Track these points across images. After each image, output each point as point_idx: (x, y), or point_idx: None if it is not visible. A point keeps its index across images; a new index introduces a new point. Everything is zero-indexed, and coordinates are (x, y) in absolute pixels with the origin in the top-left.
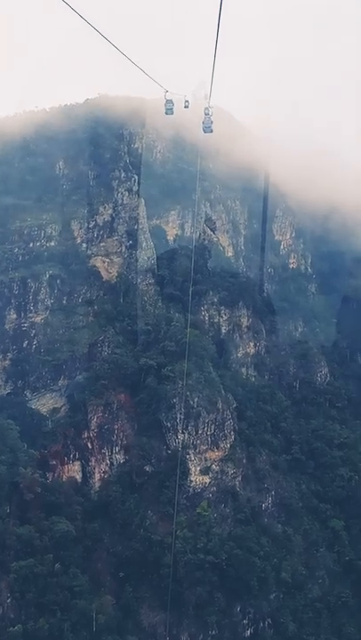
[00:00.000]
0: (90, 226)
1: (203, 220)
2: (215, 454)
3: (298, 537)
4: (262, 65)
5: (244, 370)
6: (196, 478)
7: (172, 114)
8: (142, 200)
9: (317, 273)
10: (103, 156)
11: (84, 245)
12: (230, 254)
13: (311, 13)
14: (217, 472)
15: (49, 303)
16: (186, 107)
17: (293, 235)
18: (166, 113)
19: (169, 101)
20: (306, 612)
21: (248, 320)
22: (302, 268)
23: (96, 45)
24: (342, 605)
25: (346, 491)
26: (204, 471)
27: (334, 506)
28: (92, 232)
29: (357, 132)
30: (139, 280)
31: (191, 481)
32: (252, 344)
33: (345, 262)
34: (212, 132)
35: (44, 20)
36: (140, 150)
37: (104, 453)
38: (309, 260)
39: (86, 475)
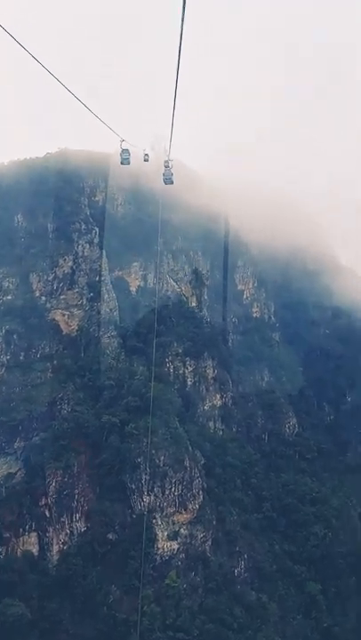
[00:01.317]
0: (49, 278)
1: (166, 271)
2: (183, 517)
3: (273, 604)
4: (220, 116)
5: (211, 423)
6: (164, 544)
7: (129, 164)
8: (104, 252)
9: (281, 322)
10: (63, 209)
11: (44, 299)
12: (194, 304)
13: (268, 64)
14: (186, 536)
15: (5, 360)
16: (146, 160)
17: (256, 284)
18: (122, 163)
19: (125, 151)
20: None
21: (214, 371)
22: (266, 317)
23: (56, 100)
24: None
25: (320, 550)
26: (172, 536)
27: (309, 567)
28: (52, 285)
29: (316, 178)
30: (100, 333)
31: (158, 548)
32: (218, 396)
33: (307, 310)
34: (172, 183)
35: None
36: (100, 203)
37: (63, 522)
38: (273, 309)
39: (44, 547)
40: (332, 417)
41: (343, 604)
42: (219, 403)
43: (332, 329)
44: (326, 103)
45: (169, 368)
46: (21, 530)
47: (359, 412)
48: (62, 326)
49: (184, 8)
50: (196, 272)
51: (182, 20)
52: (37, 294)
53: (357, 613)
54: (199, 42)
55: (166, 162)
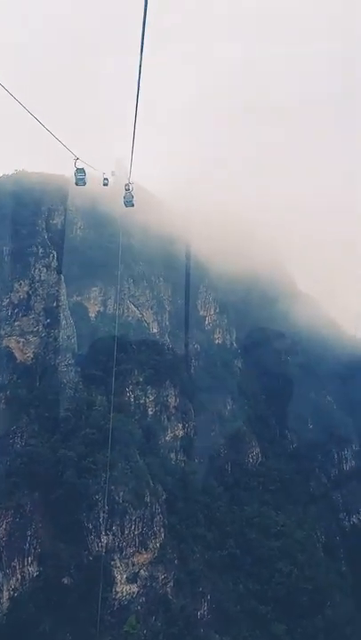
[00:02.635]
0: (3, 304)
1: (126, 296)
2: (143, 557)
3: None
4: (181, 141)
5: (173, 455)
6: (123, 588)
7: (84, 184)
8: (62, 277)
9: (242, 348)
10: (19, 232)
11: None
12: (155, 331)
13: (232, 86)
14: (146, 578)
15: None
16: (105, 184)
17: (218, 310)
18: (77, 183)
19: (79, 170)
20: None
21: (176, 400)
22: (228, 343)
23: (11, 121)
24: None
25: (286, 587)
26: (132, 579)
27: (275, 606)
28: (6, 310)
29: (275, 206)
30: (57, 361)
31: (117, 592)
32: (180, 425)
33: (268, 336)
34: (133, 205)
35: None
36: (59, 226)
37: (14, 566)
38: (234, 336)
39: None
40: (294, 445)
41: None
42: (181, 433)
43: (293, 355)
44: (289, 127)
45: (129, 397)
46: None
47: (321, 439)
48: (17, 354)
49: (143, 31)
50: (157, 297)
51: (142, 44)
52: None
53: None
54: (161, 64)
55: (127, 185)
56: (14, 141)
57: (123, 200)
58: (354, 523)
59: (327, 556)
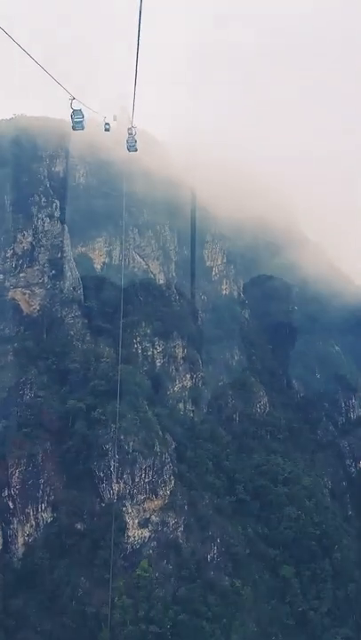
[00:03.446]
0: (7, 255)
1: (132, 247)
2: (154, 504)
3: (247, 589)
4: (188, 86)
5: (181, 405)
6: (135, 533)
7: (82, 128)
8: (65, 226)
9: (250, 298)
10: (20, 180)
11: (1, 277)
12: (161, 282)
13: (241, 29)
14: (157, 524)
15: None
16: (107, 129)
17: (225, 260)
18: (74, 127)
19: (77, 112)
20: None
21: (183, 351)
22: (235, 293)
23: (9, 64)
24: None
25: (294, 532)
26: (143, 524)
27: (283, 550)
28: (10, 262)
29: (284, 150)
30: (64, 313)
31: (129, 537)
32: (188, 376)
33: (275, 286)
34: (136, 150)
35: None
36: (61, 174)
37: (28, 513)
38: (242, 286)
39: (7, 540)
40: (302, 394)
41: (318, 586)
42: (189, 384)
43: (300, 304)
44: (300, 74)
45: (137, 349)
46: None
47: (329, 388)
48: (23, 306)
49: None
50: (163, 248)
51: None
52: None
53: (332, 596)
54: (165, 3)
55: (130, 129)
56: (12, 85)
57: (126, 145)
58: (360, 469)
59: (334, 502)
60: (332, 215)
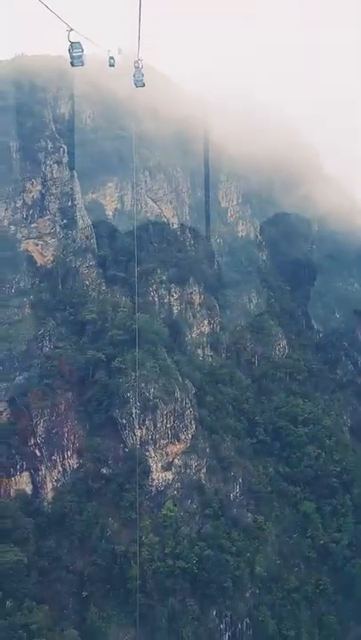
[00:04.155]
0: (17, 205)
1: (144, 191)
2: (177, 447)
3: (269, 525)
4: (196, 20)
5: (200, 351)
6: (158, 475)
7: (82, 64)
8: (74, 172)
9: (267, 239)
10: (24, 125)
11: (12, 228)
12: (175, 226)
13: None
14: (180, 466)
15: None
16: (111, 65)
17: (240, 200)
18: (73, 63)
19: (75, 45)
20: (284, 605)
21: (200, 297)
22: (252, 235)
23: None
24: (321, 594)
25: (314, 470)
26: (166, 467)
27: (304, 487)
28: (21, 212)
29: (299, 85)
30: (78, 263)
31: (153, 479)
32: (206, 322)
33: (293, 224)
34: (144, 85)
35: None
36: (67, 116)
37: (55, 460)
38: (258, 226)
39: (37, 486)
40: (321, 335)
41: (338, 521)
42: (207, 329)
43: (319, 243)
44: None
45: (153, 297)
46: (12, 470)
47: (348, 328)
48: (37, 257)
49: None
50: (176, 190)
51: None
52: (5, 223)
53: (353, 530)
54: None
55: (136, 62)
56: (10, 22)
57: (132, 79)
58: None
59: (354, 439)
60: (351, 148)
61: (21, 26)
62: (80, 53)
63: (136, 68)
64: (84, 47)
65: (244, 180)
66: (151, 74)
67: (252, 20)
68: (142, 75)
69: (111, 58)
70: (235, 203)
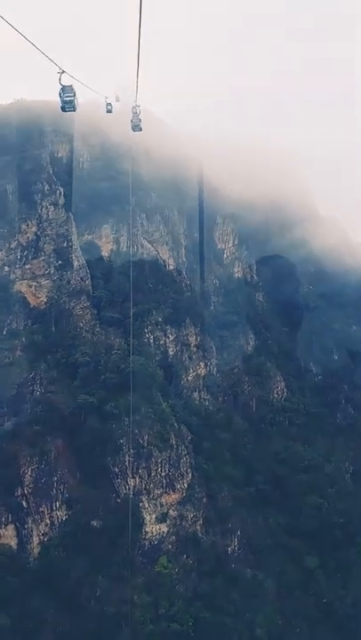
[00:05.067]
0: (11, 246)
1: (140, 232)
2: (172, 497)
3: (270, 581)
4: (191, 63)
5: (196, 394)
6: (152, 528)
7: (74, 109)
8: (70, 214)
9: (263, 280)
10: (22, 168)
11: (7, 269)
12: (172, 267)
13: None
14: (175, 518)
15: None
16: (109, 111)
17: (236, 242)
18: (64, 108)
19: (66, 89)
20: None
21: (196, 338)
22: (248, 276)
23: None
24: None
25: (317, 521)
26: (161, 519)
27: (306, 540)
28: (15, 253)
29: (293, 125)
30: (72, 304)
31: (147, 532)
32: (202, 364)
33: (289, 266)
34: (141, 130)
35: None
36: (64, 160)
37: (42, 512)
38: (255, 268)
39: (23, 540)
40: (320, 377)
41: (343, 576)
42: (203, 372)
43: (316, 283)
44: (309, 50)
45: (149, 339)
46: None
47: (347, 370)
48: (30, 299)
49: None
50: (172, 232)
51: None
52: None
53: (357, 586)
54: None
55: (134, 107)
56: (10, 69)
57: (130, 125)
58: None
59: (357, 486)
60: (350, 189)
61: (21, 71)
62: (71, 98)
63: (134, 113)
64: (79, 92)
65: (240, 221)
66: (147, 116)
67: (250, 62)
68: (140, 120)
69: (109, 104)
70: (231, 244)
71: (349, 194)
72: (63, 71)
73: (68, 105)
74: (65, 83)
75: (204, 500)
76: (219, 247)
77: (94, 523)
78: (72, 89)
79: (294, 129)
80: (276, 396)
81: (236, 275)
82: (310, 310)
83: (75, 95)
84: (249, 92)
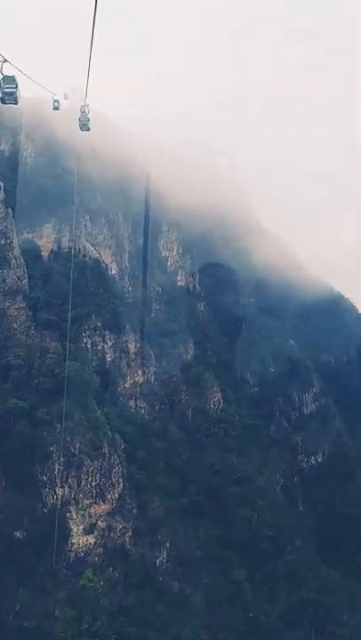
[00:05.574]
0: None
1: (83, 234)
2: (101, 508)
3: (198, 594)
4: (139, 67)
5: (132, 402)
6: (79, 539)
7: (15, 102)
8: (10, 211)
9: (205, 290)
10: None
11: None
12: (114, 272)
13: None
14: (103, 529)
15: None
16: (56, 108)
17: (180, 250)
18: (4, 99)
19: (8, 79)
20: None
21: (136, 345)
22: (191, 285)
23: None
24: None
25: (248, 533)
26: (89, 530)
27: (236, 552)
28: None
29: (243, 132)
30: (7, 304)
31: (73, 544)
32: (140, 372)
33: (231, 277)
34: (89, 129)
35: None
36: (6, 153)
37: None
38: (197, 278)
39: None
40: (256, 389)
41: (270, 589)
42: (141, 380)
43: (256, 296)
44: (254, 53)
45: (86, 344)
46: None
47: (283, 383)
48: None
49: None
50: (116, 236)
51: None
52: None
53: (284, 599)
54: None
55: (82, 106)
56: None
57: (78, 123)
58: (312, 464)
59: (286, 498)
60: (293, 204)
61: None
62: (13, 90)
63: (82, 112)
64: (24, 85)
65: (185, 229)
66: (98, 118)
67: (208, 65)
68: (88, 119)
69: (56, 101)
70: (175, 252)
71: (293, 208)
72: (5, 60)
73: (8, 97)
74: (7, 73)
75: (135, 510)
76: (163, 254)
77: (18, 533)
78: (14, 80)
79: (245, 138)
80: (212, 406)
81: (179, 283)
82: (250, 322)
83: (17, 87)
84: (201, 101)
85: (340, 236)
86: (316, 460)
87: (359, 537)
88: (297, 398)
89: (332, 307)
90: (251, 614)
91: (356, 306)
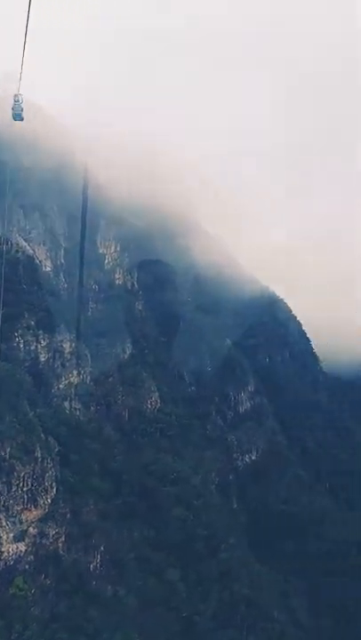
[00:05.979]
0: None
1: (15, 229)
2: (33, 514)
3: (131, 597)
4: (80, 57)
5: (67, 404)
6: (9, 547)
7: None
8: None
9: (143, 288)
10: None
11: None
12: (48, 269)
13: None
14: (35, 536)
15: None
16: None
17: (119, 248)
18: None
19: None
20: None
21: (71, 345)
22: (129, 284)
23: None
24: None
25: (182, 533)
26: (19, 537)
27: (169, 553)
28: None
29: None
30: None
31: (2, 552)
32: (75, 372)
33: (170, 276)
34: (22, 119)
35: None
36: None
37: None
38: (136, 276)
39: None
40: (192, 388)
41: (204, 589)
42: (76, 380)
43: (195, 295)
44: (195, 51)
45: (18, 343)
46: None
47: (219, 382)
48: None
49: None
50: (51, 231)
51: None
52: None
53: (218, 599)
54: None
55: (16, 95)
56: None
57: (11, 112)
58: (247, 462)
59: (221, 496)
60: (229, 205)
61: None
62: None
63: (16, 102)
64: None
65: (123, 226)
66: (36, 109)
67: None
68: (21, 109)
69: None
70: (113, 250)
71: (234, 210)
72: None
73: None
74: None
75: (68, 515)
76: (100, 251)
77: None
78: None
79: (187, 137)
80: (149, 406)
81: (117, 281)
82: (187, 320)
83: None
84: (144, 94)
85: (274, 237)
86: (250, 458)
87: (291, 534)
88: (233, 397)
89: (268, 307)
90: (184, 614)
91: (290, 306)
